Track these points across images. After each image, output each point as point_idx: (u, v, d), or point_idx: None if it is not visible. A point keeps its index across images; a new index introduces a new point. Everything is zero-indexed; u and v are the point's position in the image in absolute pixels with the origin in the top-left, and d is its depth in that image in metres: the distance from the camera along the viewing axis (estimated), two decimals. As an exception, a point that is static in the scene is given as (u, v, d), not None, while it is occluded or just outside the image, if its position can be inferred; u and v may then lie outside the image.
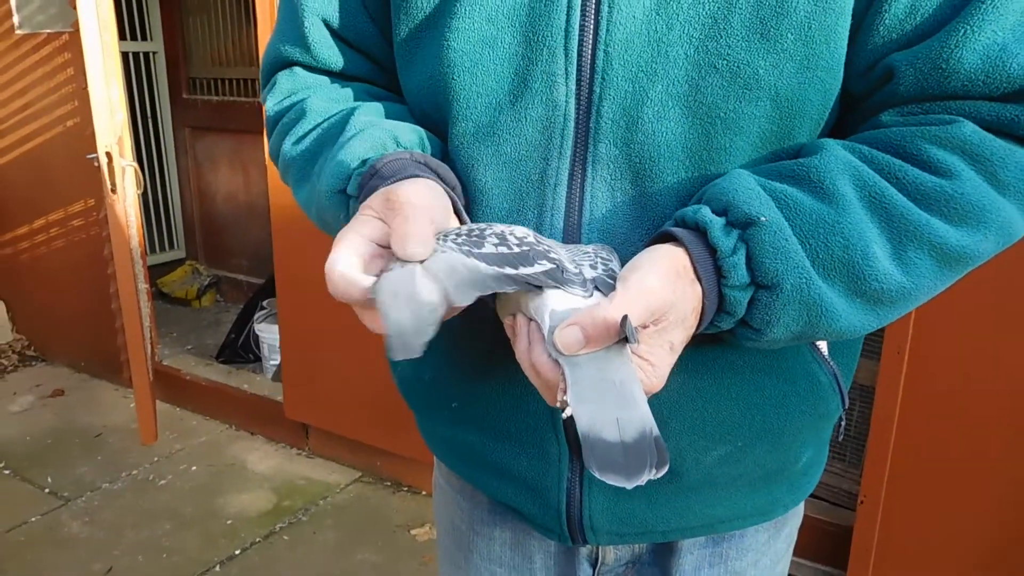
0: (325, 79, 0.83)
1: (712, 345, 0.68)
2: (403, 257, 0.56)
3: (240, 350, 3.60)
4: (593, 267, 0.59)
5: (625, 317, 0.51)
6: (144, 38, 4.21)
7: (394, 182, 0.62)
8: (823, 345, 0.73)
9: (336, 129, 0.74)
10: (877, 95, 0.64)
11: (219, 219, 4.44)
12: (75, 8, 2.58)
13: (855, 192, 0.59)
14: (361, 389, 2.65)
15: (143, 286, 2.87)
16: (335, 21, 0.79)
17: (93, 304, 3.51)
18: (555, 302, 0.56)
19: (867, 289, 0.59)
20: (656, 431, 0.52)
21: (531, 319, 0.57)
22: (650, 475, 0.52)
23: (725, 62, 0.62)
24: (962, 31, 0.58)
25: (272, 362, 3.36)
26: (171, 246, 4.59)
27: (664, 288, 0.55)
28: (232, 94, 4.13)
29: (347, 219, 0.66)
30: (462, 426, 0.80)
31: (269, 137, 0.85)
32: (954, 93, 0.60)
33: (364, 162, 0.67)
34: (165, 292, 4.39)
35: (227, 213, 4.40)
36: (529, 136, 0.67)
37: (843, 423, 0.81)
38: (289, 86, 0.82)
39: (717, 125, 0.63)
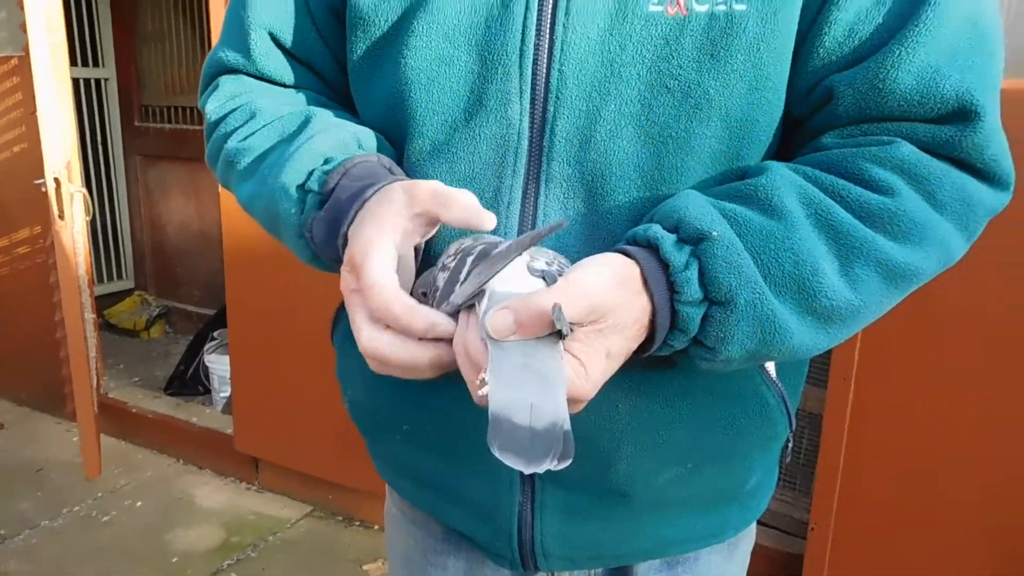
0: (270, 85, 0.82)
1: (664, 367, 0.68)
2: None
3: (189, 382, 3.52)
4: (549, 264, 0.59)
5: (557, 307, 0.51)
6: (96, 64, 4.16)
7: (359, 206, 0.63)
8: (771, 367, 0.75)
9: (292, 128, 0.74)
10: (818, 117, 0.66)
11: (170, 248, 4.37)
12: (26, 32, 2.54)
13: (802, 210, 0.60)
14: (313, 421, 2.61)
15: (90, 316, 2.80)
16: (282, 35, 0.79)
17: (37, 334, 3.41)
18: (497, 285, 0.56)
19: (817, 306, 0.59)
20: (568, 427, 0.51)
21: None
22: (551, 465, 0.50)
23: (676, 82, 0.63)
24: (897, 52, 0.60)
25: (222, 394, 3.29)
26: (119, 276, 4.49)
27: (606, 289, 0.55)
28: (186, 122, 4.09)
29: (298, 214, 0.67)
30: (414, 450, 0.79)
31: (207, 139, 0.83)
32: (891, 115, 0.62)
33: (327, 160, 0.67)
34: (112, 323, 4.28)
35: (179, 242, 4.33)
36: (483, 154, 0.68)
37: (791, 444, 0.82)
38: (233, 88, 0.81)
39: (669, 144, 0.64)
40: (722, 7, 0.62)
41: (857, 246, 0.60)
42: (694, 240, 0.58)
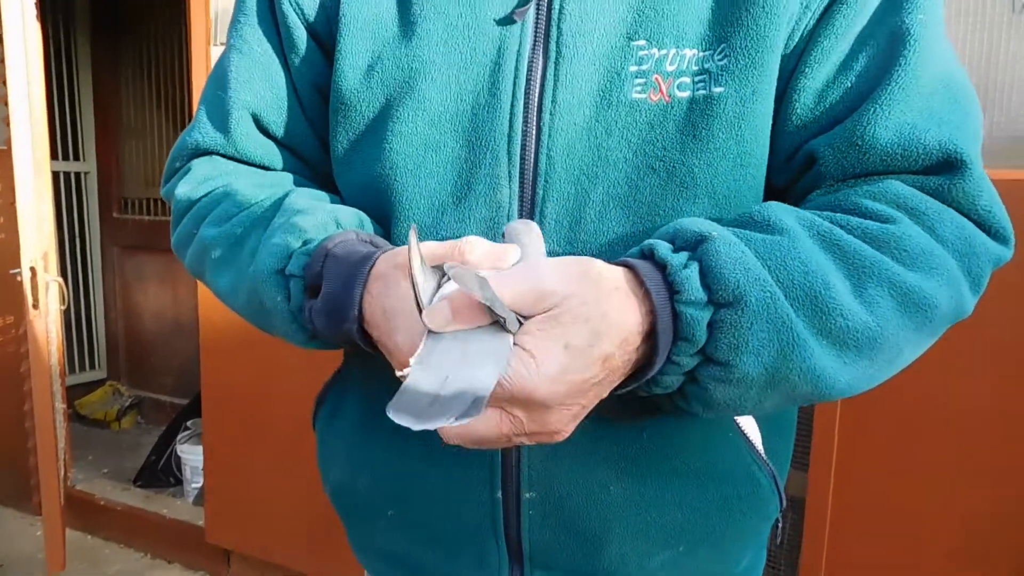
0: (247, 167, 0.80)
1: (658, 448, 0.68)
2: None
3: (160, 473, 3.45)
4: None
5: (490, 291, 0.48)
6: (77, 158, 4.22)
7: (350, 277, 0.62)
8: (758, 442, 0.74)
9: (268, 212, 0.72)
10: (802, 182, 0.67)
11: (145, 338, 4.34)
12: (8, 126, 2.60)
13: (804, 230, 0.58)
14: (287, 512, 2.56)
15: (60, 406, 2.77)
16: (266, 116, 0.78)
17: (4, 424, 3.34)
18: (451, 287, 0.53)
19: (833, 327, 0.54)
20: (484, 395, 0.48)
21: None
22: (447, 422, 0.47)
23: (662, 163, 0.65)
24: (872, 110, 0.61)
25: (194, 485, 3.23)
26: (92, 366, 4.44)
27: (559, 276, 0.52)
28: (165, 214, 4.14)
29: (285, 301, 0.65)
30: (398, 535, 0.77)
31: (175, 224, 0.81)
32: (875, 169, 0.62)
33: (306, 242, 0.66)
34: (83, 414, 4.21)
35: (153, 332, 4.31)
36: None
37: (780, 525, 0.80)
38: (206, 171, 0.79)
39: (657, 222, 0.65)
40: (702, 91, 0.64)
41: (867, 266, 0.56)
42: (692, 245, 0.55)
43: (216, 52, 2.43)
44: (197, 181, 0.79)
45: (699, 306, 0.53)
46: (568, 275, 0.53)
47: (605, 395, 0.56)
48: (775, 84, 0.65)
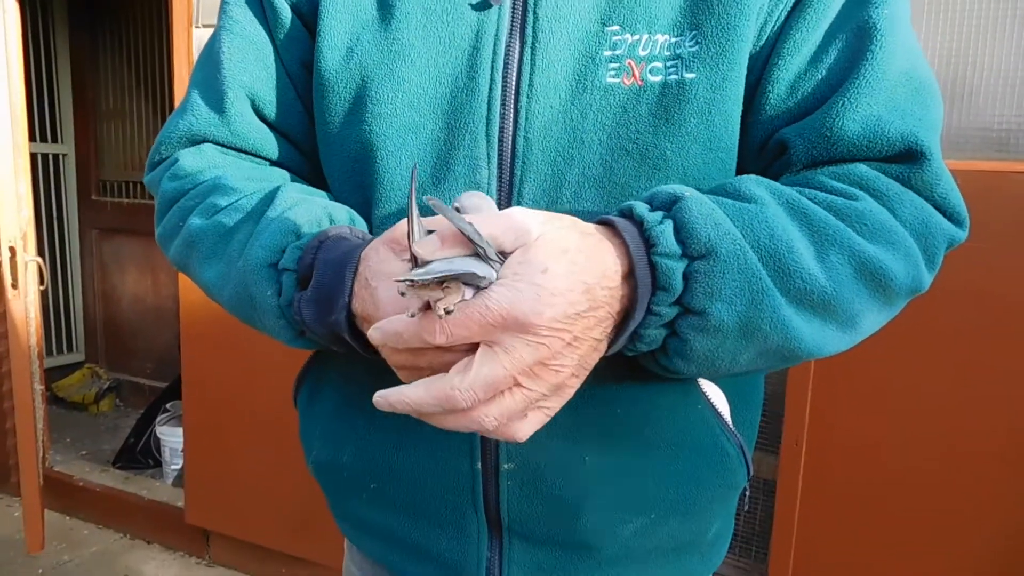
0: (237, 159, 0.80)
1: (631, 421, 0.70)
2: None
3: (139, 455, 3.46)
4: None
5: (470, 223, 0.51)
6: (55, 140, 4.19)
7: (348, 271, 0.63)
8: (726, 414, 0.76)
9: (260, 205, 0.72)
10: (773, 168, 0.69)
11: (124, 322, 4.33)
12: (-13, 106, 2.59)
13: (772, 197, 0.61)
14: (267, 492, 2.58)
15: (38, 387, 2.77)
16: (261, 96, 0.78)
17: (-19, 407, 3.34)
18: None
19: (791, 287, 0.58)
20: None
21: None
22: None
23: (635, 146, 0.67)
24: (841, 103, 0.64)
25: (173, 466, 3.24)
26: (69, 349, 4.43)
27: (532, 216, 0.54)
28: (143, 197, 4.12)
29: (275, 295, 0.66)
30: (380, 507, 0.78)
31: (160, 216, 0.80)
32: (842, 157, 0.65)
33: (299, 236, 0.67)
34: (61, 396, 4.20)
35: (132, 316, 4.30)
36: None
37: (747, 493, 0.83)
38: (195, 164, 0.78)
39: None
40: (674, 76, 0.66)
41: (830, 233, 0.60)
42: (667, 205, 0.58)
43: (198, 34, 2.43)
44: (184, 173, 0.78)
45: (674, 258, 0.55)
46: (544, 217, 0.55)
47: (600, 347, 0.57)
48: (744, 72, 0.68)
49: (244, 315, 0.72)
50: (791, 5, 0.68)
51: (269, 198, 0.73)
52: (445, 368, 0.55)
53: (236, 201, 0.74)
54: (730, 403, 0.77)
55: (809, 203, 0.61)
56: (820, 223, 0.60)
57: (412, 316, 0.54)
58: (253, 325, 0.72)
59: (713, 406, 0.75)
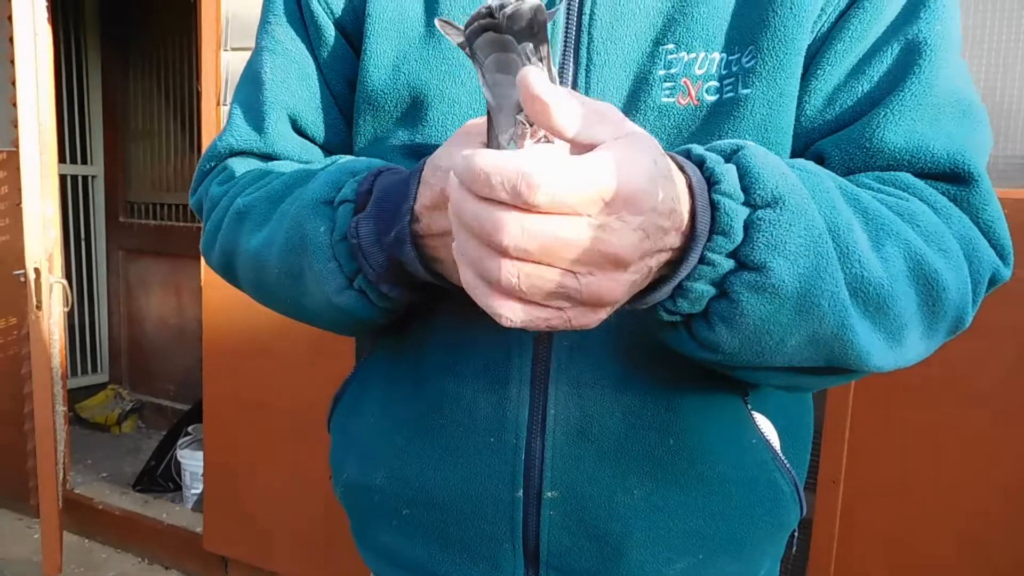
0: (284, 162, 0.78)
1: (684, 452, 0.67)
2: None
3: (159, 478, 3.44)
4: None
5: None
6: (85, 162, 4.24)
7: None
8: (778, 448, 0.72)
9: (311, 171, 0.70)
10: None
11: (148, 343, 4.35)
12: (16, 128, 2.61)
13: (831, 180, 0.57)
14: (286, 520, 2.55)
15: (61, 408, 2.76)
16: (303, 116, 0.77)
17: (3, 425, 3.34)
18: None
19: (850, 271, 0.52)
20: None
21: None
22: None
23: None
24: (883, 115, 0.62)
25: (193, 491, 3.21)
26: (94, 369, 4.44)
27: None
28: (170, 219, 4.15)
29: (328, 232, 0.61)
30: (410, 535, 0.75)
31: (207, 219, 0.78)
32: (884, 168, 0.63)
33: (356, 173, 0.64)
34: (84, 417, 4.20)
35: (156, 337, 4.31)
36: None
37: (796, 536, 0.79)
38: (242, 167, 0.77)
39: None
40: (730, 93, 0.65)
41: (885, 224, 0.56)
42: (728, 153, 0.52)
43: (226, 57, 2.44)
44: (231, 176, 0.77)
45: (736, 200, 0.49)
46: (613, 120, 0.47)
47: (643, 283, 0.49)
48: (798, 85, 0.66)
49: (292, 272, 0.65)
50: (836, 16, 0.65)
51: (325, 163, 0.70)
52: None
53: (284, 175, 0.71)
54: (780, 438, 0.74)
55: (863, 192, 0.57)
56: (876, 212, 0.56)
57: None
58: (301, 287, 0.66)
59: (767, 440, 0.71)
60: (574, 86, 0.67)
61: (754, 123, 0.65)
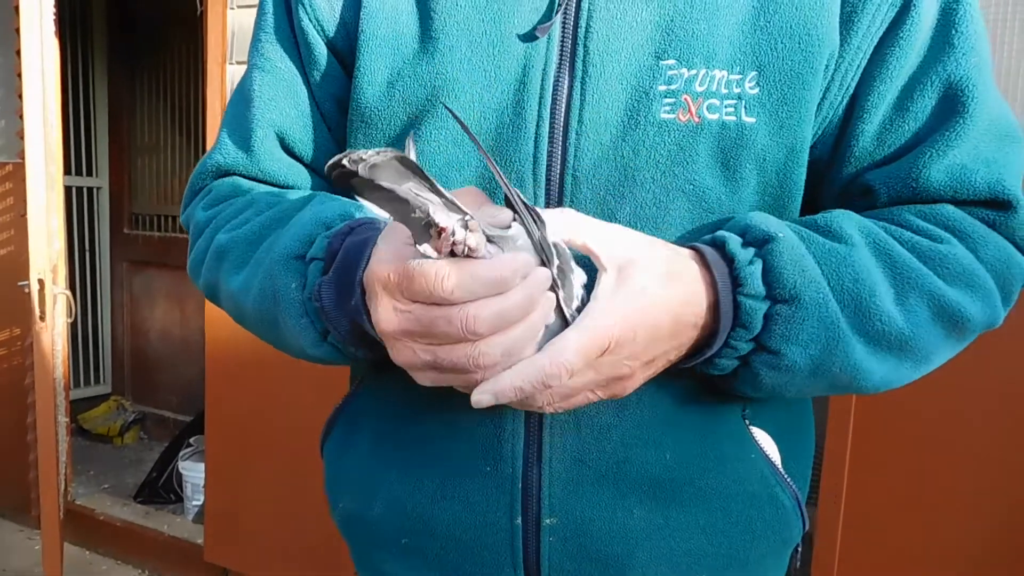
0: (269, 186, 0.78)
1: (682, 469, 0.68)
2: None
3: (161, 490, 3.43)
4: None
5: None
6: (90, 173, 4.26)
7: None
8: (779, 464, 0.73)
9: (291, 210, 0.70)
10: (855, 206, 0.68)
11: (150, 354, 4.35)
12: (23, 139, 2.62)
13: (861, 238, 0.62)
14: (287, 532, 2.54)
15: (63, 419, 2.76)
16: (291, 134, 0.77)
17: (5, 436, 3.34)
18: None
19: (870, 329, 0.60)
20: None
21: None
22: None
23: (692, 187, 0.65)
24: (928, 154, 0.64)
25: (195, 502, 3.21)
26: (96, 381, 4.44)
27: (629, 232, 0.58)
28: (175, 231, 4.16)
29: (300, 288, 0.62)
30: (411, 564, 0.75)
31: (192, 245, 0.78)
32: (926, 201, 0.66)
33: (329, 227, 0.64)
34: (86, 428, 4.20)
35: (159, 348, 4.31)
36: None
37: (799, 549, 0.79)
38: (227, 191, 0.77)
39: (684, 244, 0.65)
40: (732, 117, 0.64)
41: (912, 277, 0.61)
42: (760, 243, 0.59)
43: (231, 70, 2.45)
44: (217, 200, 0.77)
45: (758, 299, 0.58)
46: (645, 239, 0.59)
47: (672, 358, 0.60)
48: (806, 123, 0.66)
49: (268, 320, 0.67)
50: (868, 55, 0.66)
51: (302, 203, 0.70)
52: (447, 338, 0.52)
53: (268, 211, 0.72)
54: (781, 453, 0.73)
55: (895, 244, 0.62)
56: (903, 266, 0.61)
57: (426, 255, 0.50)
58: (278, 335, 0.68)
59: (766, 455, 0.71)
60: (568, 100, 0.66)
61: (755, 152, 0.65)
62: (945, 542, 1.68)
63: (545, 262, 0.53)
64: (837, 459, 1.76)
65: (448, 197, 0.47)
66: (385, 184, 0.45)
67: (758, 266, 0.58)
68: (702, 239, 0.62)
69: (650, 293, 0.55)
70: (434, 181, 0.46)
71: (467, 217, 0.48)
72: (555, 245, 0.54)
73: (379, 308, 0.54)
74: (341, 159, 0.43)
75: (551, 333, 0.55)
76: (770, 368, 0.59)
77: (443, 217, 0.47)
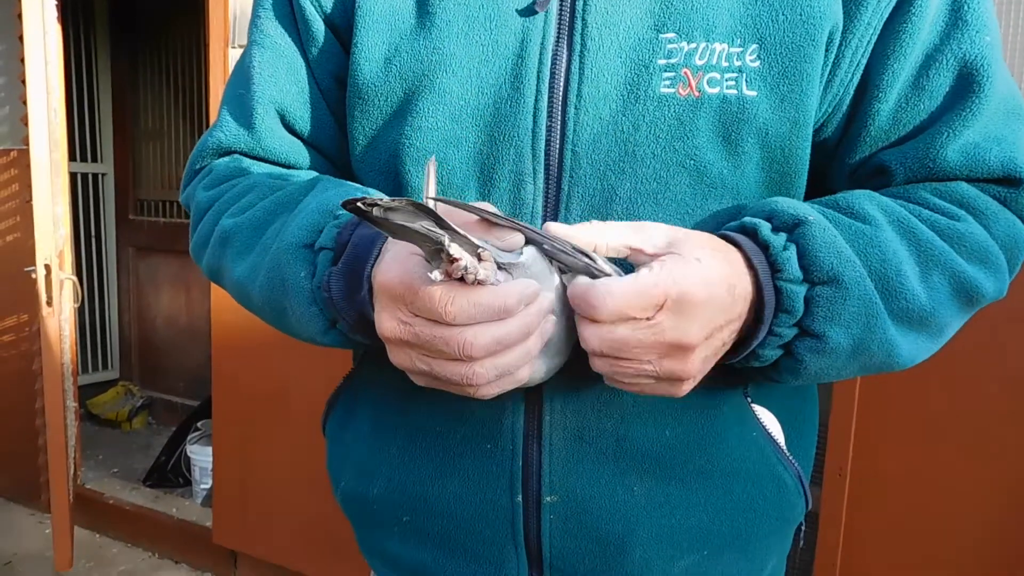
0: (270, 166, 0.78)
1: (682, 446, 0.68)
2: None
3: (170, 474, 3.46)
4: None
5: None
6: (95, 159, 4.26)
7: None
8: (782, 442, 0.73)
9: (296, 195, 0.70)
10: (869, 184, 0.69)
11: (157, 339, 4.37)
12: (27, 125, 2.62)
13: (884, 216, 0.62)
14: (295, 515, 2.56)
15: (71, 404, 2.78)
16: (291, 111, 0.76)
17: (15, 422, 3.36)
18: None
19: (895, 307, 0.60)
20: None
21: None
22: None
23: (693, 161, 0.65)
24: (945, 134, 0.65)
25: (203, 486, 3.23)
26: (104, 366, 4.46)
27: (668, 227, 0.57)
28: (180, 216, 4.16)
29: (308, 277, 0.63)
30: (412, 541, 0.75)
31: (194, 228, 0.78)
32: (941, 179, 0.67)
33: (337, 216, 0.64)
34: (94, 414, 4.23)
35: (166, 333, 4.33)
36: None
37: (804, 528, 0.79)
38: (229, 171, 0.77)
39: (686, 220, 0.65)
40: (733, 91, 0.64)
41: (934, 256, 0.62)
42: (789, 227, 0.59)
43: (234, 54, 2.45)
44: (218, 180, 0.77)
45: (797, 282, 0.57)
46: (679, 229, 0.58)
47: (720, 354, 0.59)
48: (808, 97, 0.65)
49: (275, 307, 0.68)
50: (879, 31, 0.66)
51: (306, 188, 0.70)
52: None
53: (270, 196, 0.72)
54: (784, 431, 0.73)
55: (917, 222, 0.63)
56: (926, 244, 0.62)
57: (435, 280, 0.51)
58: (285, 322, 0.68)
59: (768, 433, 0.71)
60: (567, 74, 0.66)
61: (756, 126, 0.64)
62: (951, 519, 1.68)
63: (565, 269, 0.56)
64: (842, 437, 1.76)
65: (462, 233, 0.48)
66: (399, 222, 0.47)
67: (793, 251, 0.58)
68: (727, 226, 0.62)
69: (705, 262, 0.55)
70: (448, 222, 0.47)
71: (480, 249, 0.50)
72: (586, 254, 0.56)
73: (382, 314, 0.56)
74: (355, 202, 0.46)
75: (554, 344, 0.58)
76: (814, 352, 0.59)
77: (457, 250, 0.49)
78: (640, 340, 0.53)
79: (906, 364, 0.63)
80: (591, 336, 0.54)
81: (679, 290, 0.53)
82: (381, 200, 0.45)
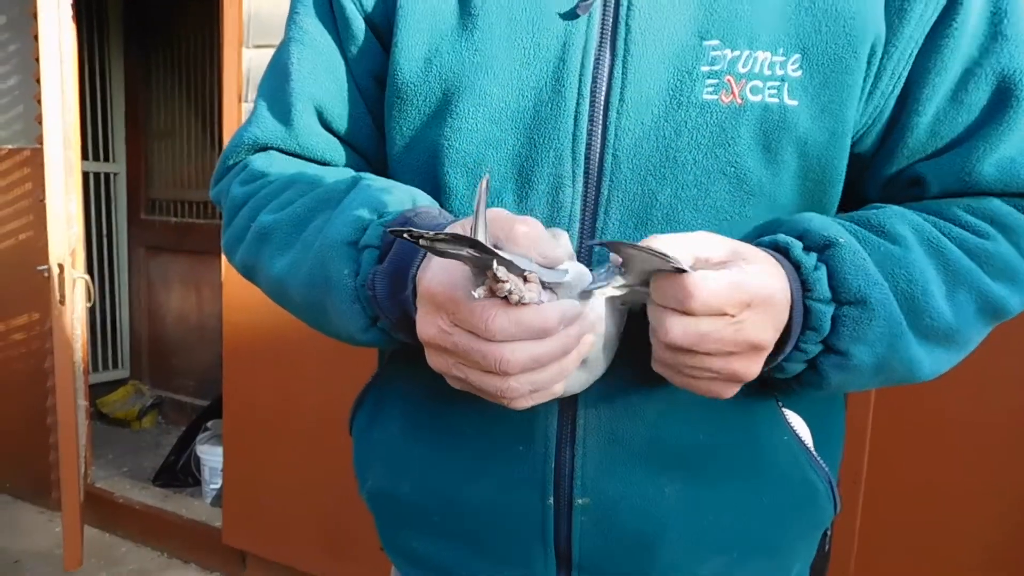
0: (307, 163, 0.77)
1: (713, 449, 0.67)
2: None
3: (179, 473, 3.46)
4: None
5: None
6: (107, 159, 4.27)
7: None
8: (811, 445, 0.73)
9: (339, 192, 0.70)
10: (902, 196, 0.70)
11: (168, 339, 4.38)
12: (41, 124, 2.63)
13: (914, 236, 0.63)
14: (305, 515, 2.56)
15: (82, 402, 2.79)
16: (330, 109, 0.76)
17: (26, 420, 3.37)
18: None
19: (920, 325, 0.61)
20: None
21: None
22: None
23: (733, 169, 0.65)
24: (982, 148, 0.65)
25: (212, 486, 3.23)
26: (115, 365, 4.47)
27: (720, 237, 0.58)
28: (191, 216, 4.17)
29: (352, 275, 0.63)
30: (440, 540, 0.75)
31: (227, 223, 0.77)
32: (975, 194, 0.67)
33: (383, 215, 0.64)
34: (105, 413, 4.24)
35: (177, 333, 4.34)
36: None
37: (830, 533, 0.79)
38: (266, 166, 0.76)
39: (724, 227, 0.65)
40: (775, 100, 0.64)
41: (962, 274, 0.63)
42: (820, 248, 0.60)
43: (248, 55, 2.45)
44: (255, 176, 0.76)
45: (825, 302, 0.59)
46: (732, 240, 0.59)
47: (771, 348, 0.59)
48: (847, 108, 0.65)
49: (314, 304, 0.67)
50: (920, 44, 0.66)
51: (349, 185, 0.70)
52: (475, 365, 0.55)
53: (311, 192, 0.71)
54: (813, 436, 0.73)
55: (946, 241, 0.64)
56: (954, 263, 0.63)
57: (478, 297, 0.52)
58: (324, 319, 0.68)
59: (799, 437, 0.71)
60: (610, 78, 0.66)
61: (796, 136, 0.65)
62: (967, 527, 1.67)
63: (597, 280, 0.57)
64: (857, 443, 1.75)
65: (507, 259, 0.49)
66: (444, 248, 0.49)
67: (823, 271, 0.59)
68: (759, 241, 0.62)
69: (768, 270, 0.56)
70: (493, 249, 0.48)
71: (526, 272, 0.51)
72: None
73: (424, 319, 0.57)
74: (402, 232, 0.47)
75: (592, 359, 0.59)
76: (837, 368, 0.61)
77: (504, 272, 0.50)
78: (722, 336, 0.54)
79: (928, 377, 0.64)
80: (675, 326, 0.54)
81: (767, 292, 0.55)
82: (427, 234, 0.46)
